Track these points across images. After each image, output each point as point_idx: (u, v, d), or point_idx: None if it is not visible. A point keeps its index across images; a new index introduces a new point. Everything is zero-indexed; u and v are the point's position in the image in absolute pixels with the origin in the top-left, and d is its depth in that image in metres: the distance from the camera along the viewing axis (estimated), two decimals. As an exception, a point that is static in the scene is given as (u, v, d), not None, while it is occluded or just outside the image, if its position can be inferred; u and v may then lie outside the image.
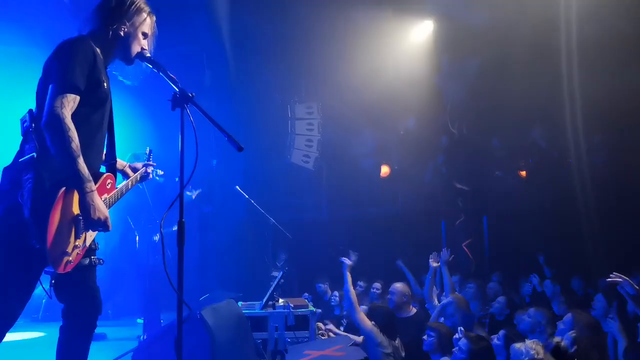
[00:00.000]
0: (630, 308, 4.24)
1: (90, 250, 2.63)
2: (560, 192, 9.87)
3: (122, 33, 2.65)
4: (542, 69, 8.90)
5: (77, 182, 2.36)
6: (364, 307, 5.40)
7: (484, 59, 9.50)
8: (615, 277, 3.05)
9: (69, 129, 2.32)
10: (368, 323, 4.48)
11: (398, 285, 5.37)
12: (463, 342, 3.68)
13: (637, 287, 2.97)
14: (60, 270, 2.37)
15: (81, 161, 2.35)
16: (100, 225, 2.43)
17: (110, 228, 2.49)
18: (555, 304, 5.31)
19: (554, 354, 3.08)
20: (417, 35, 9.17)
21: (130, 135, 6.48)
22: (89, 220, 2.39)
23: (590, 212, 9.47)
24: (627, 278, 3.00)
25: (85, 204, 2.37)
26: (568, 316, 3.86)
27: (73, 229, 2.40)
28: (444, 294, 5.41)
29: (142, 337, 5.65)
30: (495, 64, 9.22)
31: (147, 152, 3.37)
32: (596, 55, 8.55)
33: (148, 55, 2.75)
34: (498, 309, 5.27)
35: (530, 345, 3.15)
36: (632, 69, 8.44)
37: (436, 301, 5.44)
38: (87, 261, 2.60)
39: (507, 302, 5.32)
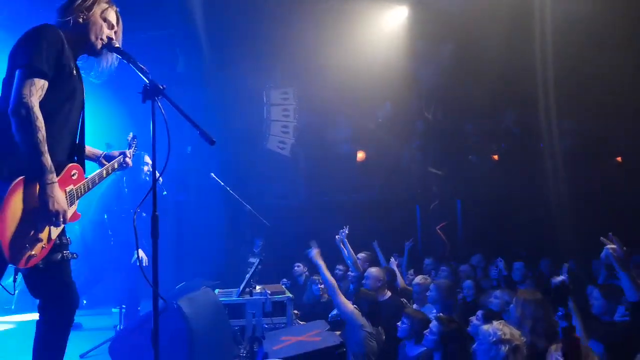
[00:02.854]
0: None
1: (62, 245, 2.59)
2: (531, 175, 10.12)
3: (81, 20, 2.61)
4: (515, 54, 9.01)
5: (38, 173, 2.31)
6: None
7: (458, 44, 9.57)
8: (607, 242, 3.18)
9: (37, 117, 2.28)
10: (350, 306, 4.52)
11: (373, 270, 5.42)
12: (434, 324, 3.78)
13: (624, 250, 3.12)
14: (22, 265, 2.33)
15: (45, 151, 2.30)
16: (57, 218, 2.37)
17: (66, 222, 2.45)
18: (524, 287, 5.46)
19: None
20: (392, 21, 9.16)
21: (104, 124, 6.38)
22: (46, 212, 2.33)
23: (560, 195, 9.73)
24: (614, 244, 3.15)
25: (44, 196, 2.32)
26: (516, 297, 4.02)
27: (32, 223, 2.33)
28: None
29: (118, 326, 5.63)
30: (470, 49, 9.30)
31: (130, 138, 3.27)
32: (569, 41, 8.69)
33: (117, 45, 2.70)
34: (466, 292, 5.40)
35: (498, 327, 3.23)
36: (604, 55, 8.63)
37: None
38: (59, 256, 2.57)
39: (474, 285, 5.44)
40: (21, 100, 2.27)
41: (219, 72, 8.73)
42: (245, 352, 4.57)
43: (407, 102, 10.14)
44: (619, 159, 10.70)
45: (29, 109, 2.27)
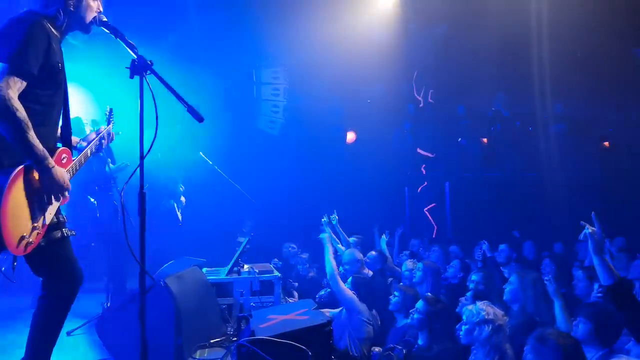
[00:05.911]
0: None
1: (60, 223, 2.63)
2: (520, 159, 10.20)
3: (72, 9, 2.57)
4: (509, 37, 8.97)
5: (35, 161, 2.32)
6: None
7: (451, 26, 9.51)
8: (588, 225, 3.26)
9: (17, 109, 2.26)
10: (349, 292, 4.63)
11: (347, 254, 5.48)
12: (420, 303, 3.84)
13: (603, 235, 3.21)
14: (20, 253, 2.36)
15: (33, 139, 2.29)
16: (63, 195, 2.46)
17: (65, 198, 2.52)
18: (507, 269, 5.54)
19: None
20: (384, 1, 9.07)
21: (91, 101, 6.27)
22: (57, 192, 2.41)
23: (549, 178, 9.82)
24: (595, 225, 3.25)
25: (48, 181, 2.36)
26: (513, 276, 4.13)
27: (29, 211, 2.36)
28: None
29: (106, 304, 5.62)
30: (462, 31, 9.25)
31: (107, 111, 3.24)
32: (564, 24, 8.65)
33: (105, 19, 2.66)
34: (452, 273, 5.46)
35: (482, 307, 3.31)
36: (597, 38, 8.63)
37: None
38: (59, 234, 2.61)
39: (461, 266, 5.50)
40: None
41: (208, 50, 8.59)
42: (232, 330, 4.60)
43: (398, 84, 10.11)
44: (606, 143, 10.82)
45: (6, 102, 2.23)
